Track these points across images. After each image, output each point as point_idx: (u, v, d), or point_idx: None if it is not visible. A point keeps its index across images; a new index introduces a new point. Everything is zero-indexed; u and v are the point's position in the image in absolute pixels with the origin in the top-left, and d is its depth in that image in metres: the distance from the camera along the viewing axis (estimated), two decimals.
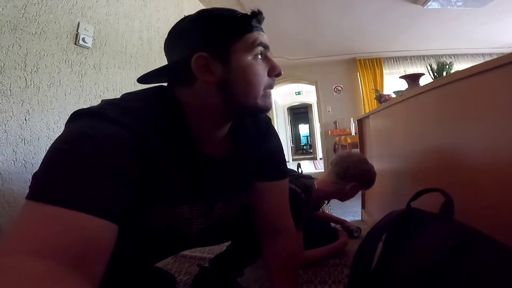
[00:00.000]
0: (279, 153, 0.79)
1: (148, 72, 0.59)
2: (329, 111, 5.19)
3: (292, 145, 10.90)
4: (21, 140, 1.05)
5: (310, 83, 5.38)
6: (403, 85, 1.48)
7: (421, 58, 4.93)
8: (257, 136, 0.73)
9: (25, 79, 1.06)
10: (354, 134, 3.73)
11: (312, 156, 10.05)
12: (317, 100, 5.35)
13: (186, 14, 0.59)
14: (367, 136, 2.00)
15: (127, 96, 0.56)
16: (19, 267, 0.30)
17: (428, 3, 2.98)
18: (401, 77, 1.40)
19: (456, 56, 4.91)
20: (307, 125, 12.43)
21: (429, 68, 1.35)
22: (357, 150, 2.14)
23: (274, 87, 0.63)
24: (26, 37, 1.07)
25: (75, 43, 1.27)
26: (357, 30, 3.81)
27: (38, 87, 1.11)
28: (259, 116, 0.74)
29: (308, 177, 1.41)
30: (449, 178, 0.89)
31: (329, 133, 5.02)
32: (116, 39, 1.54)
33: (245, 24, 0.55)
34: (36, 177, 0.40)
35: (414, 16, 3.41)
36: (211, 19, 0.54)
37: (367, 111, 4.65)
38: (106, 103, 0.51)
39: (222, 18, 0.54)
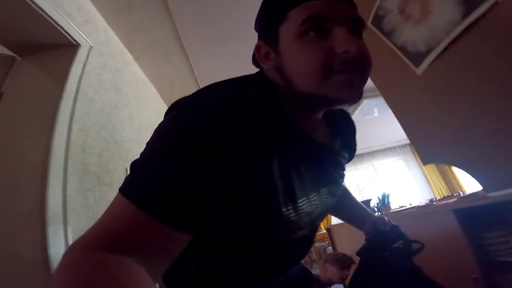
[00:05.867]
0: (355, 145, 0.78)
1: None
2: None
3: None
4: None
5: None
6: None
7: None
8: (345, 128, 0.70)
9: None
10: None
11: None
12: None
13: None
14: None
15: (222, 86, 0.51)
16: (96, 262, 0.31)
17: (352, 115, 4.10)
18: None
19: (372, 153, 6.89)
20: None
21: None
22: None
23: None
24: None
25: None
26: None
27: None
28: (340, 110, 0.71)
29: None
30: None
31: None
32: None
33: None
34: (133, 168, 0.40)
35: None
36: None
37: None
38: (208, 91, 0.47)
39: None
